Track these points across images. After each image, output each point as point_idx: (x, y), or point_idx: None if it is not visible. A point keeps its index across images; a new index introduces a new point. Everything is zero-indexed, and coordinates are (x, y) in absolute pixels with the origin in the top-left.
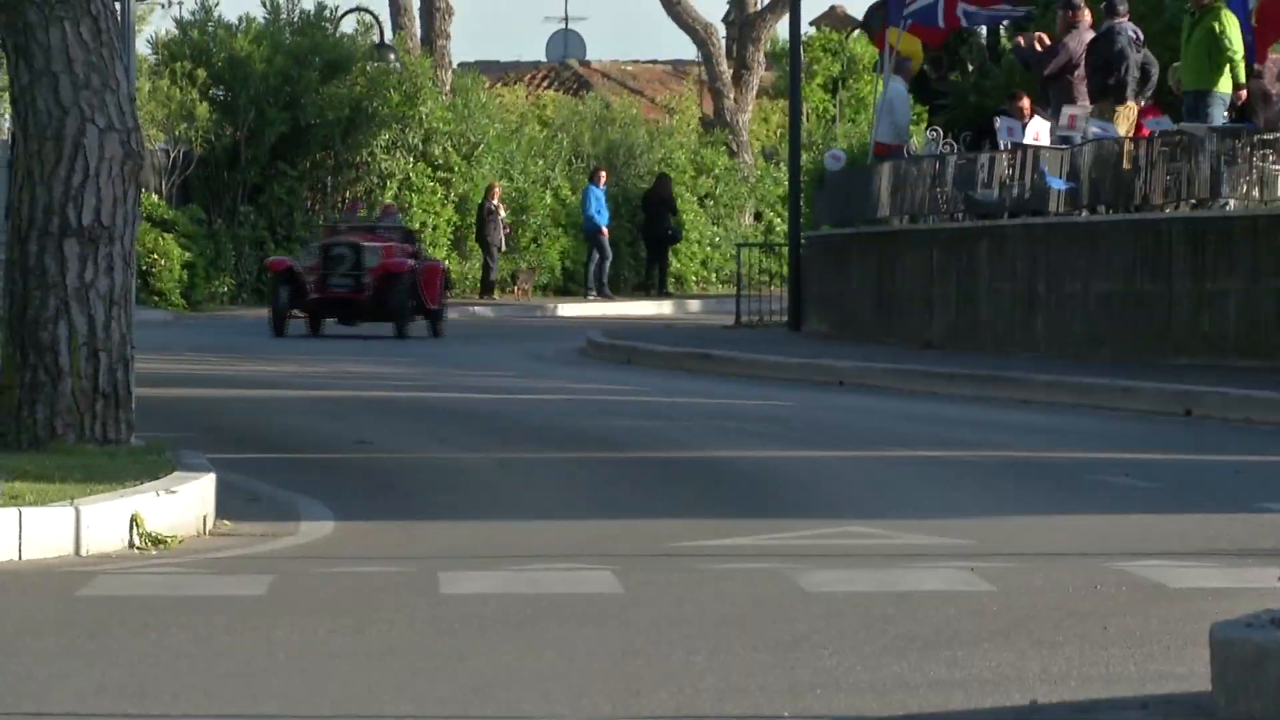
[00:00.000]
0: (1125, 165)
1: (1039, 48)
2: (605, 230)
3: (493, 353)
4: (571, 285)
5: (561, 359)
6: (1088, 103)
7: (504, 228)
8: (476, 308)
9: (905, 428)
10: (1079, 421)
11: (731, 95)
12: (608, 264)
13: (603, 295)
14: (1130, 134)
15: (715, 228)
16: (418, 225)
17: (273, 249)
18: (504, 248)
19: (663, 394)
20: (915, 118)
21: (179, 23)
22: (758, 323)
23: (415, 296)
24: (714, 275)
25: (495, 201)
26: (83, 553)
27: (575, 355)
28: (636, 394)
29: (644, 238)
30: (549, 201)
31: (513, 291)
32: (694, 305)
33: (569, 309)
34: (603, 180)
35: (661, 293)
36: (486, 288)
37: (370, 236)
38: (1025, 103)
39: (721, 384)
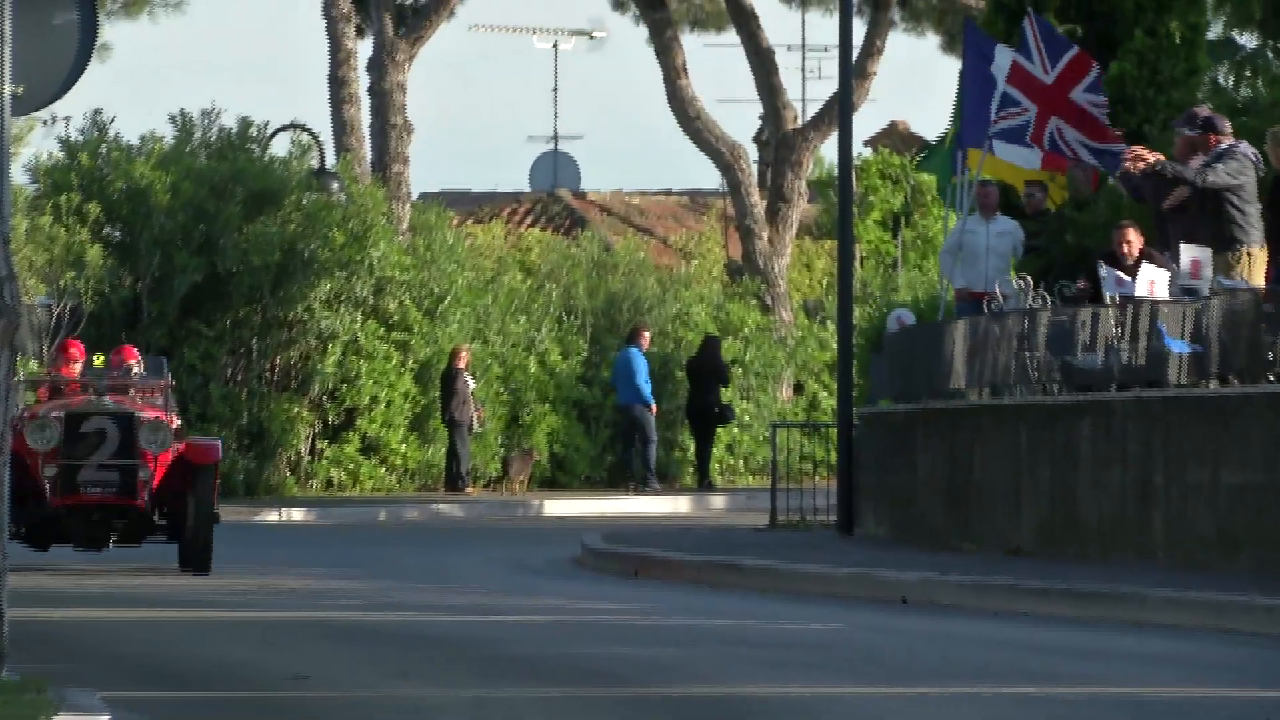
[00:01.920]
0: (1265, 324)
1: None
2: (654, 406)
3: (464, 562)
4: (560, 476)
5: (551, 570)
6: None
7: (476, 404)
8: (441, 505)
9: (986, 657)
10: (1207, 649)
11: (765, 235)
12: (654, 448)
13: (649, 489)
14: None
15: (745, 403)
16: (367, 400)
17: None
18: (475, 428)
19: (680, 614)
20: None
21: (65, 144)
22: (799, 523)
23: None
24: (743, 463)
25: (463, 369)
26: None
27: (569, 566)
28: (647, 614)
29: (688, 416)
30: (533, 370)
31: (497, 486)
32: (718, 501)
33: (558, 506)
34: (646, 342)
35: (704, 485)
36: (452, 481)
37: (129, 400)
38: (1130, 234)
39: (754, 602)
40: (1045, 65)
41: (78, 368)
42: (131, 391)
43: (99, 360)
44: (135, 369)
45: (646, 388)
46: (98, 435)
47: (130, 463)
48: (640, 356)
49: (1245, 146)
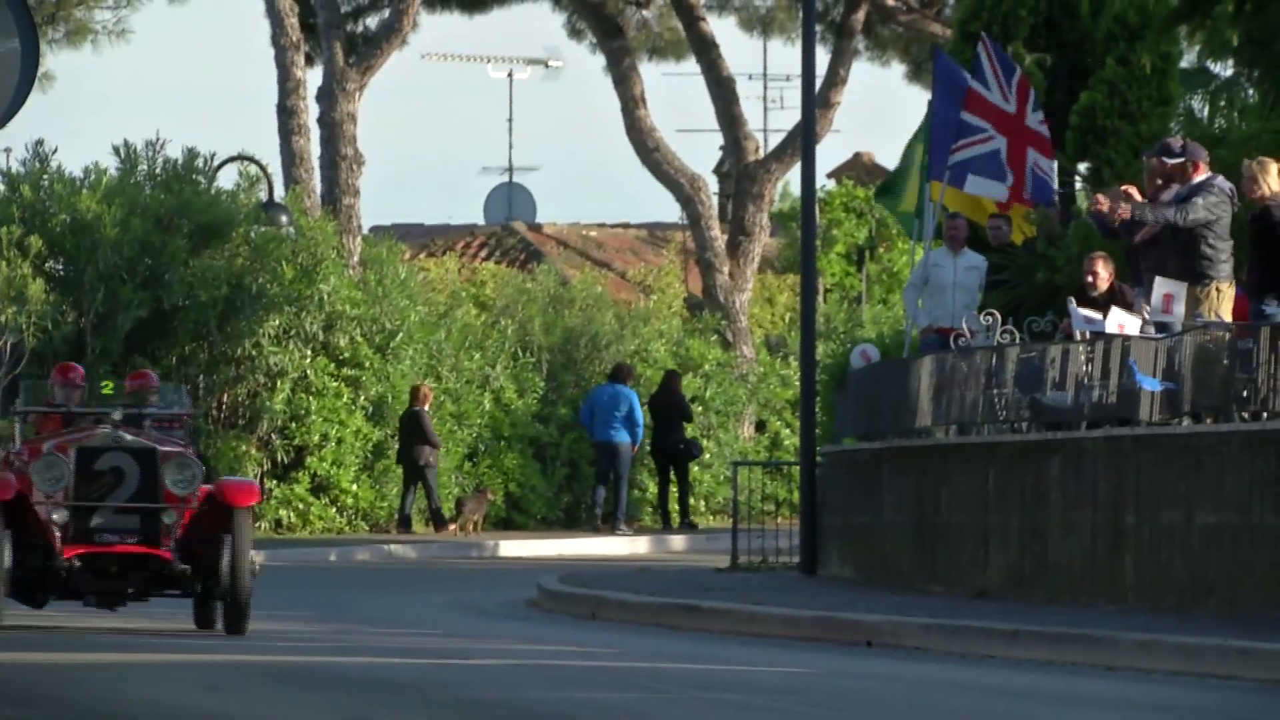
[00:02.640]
0: (1238, 360)
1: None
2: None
3: (416, 605)
4: (516, 516)
5: (507, 612)
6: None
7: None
8: (393, 546)
9: (954, 701)
10: (1180, 693)
11: (726, 268)
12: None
13: (623, 530)
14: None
15: (705, 441)
16: (317, 438)
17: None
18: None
19: (639, 658)
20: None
21: (7, 176)
22: (760, 564)
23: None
24: (703, 503)
25: (426, 409)
26: None
27: (524, 608)
28: (605, 658)
29: (654, 454)
30: (488, 407)
31: (451, 528)
32: (676, 542)
33: (514, 547)
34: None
35: (684, 524)
36: (407, 521)
37: (146, 434)
38: (1099, 265)
39: (715, 645)
40: (1004, 91)
41: (77, 395)
42: (147, 423)
43: (108, 387)
44: (154, 398)
45: (641, 429)
46: (114, 474)
47: (153, 506)
48: (633, 395)
49: (1222, 180)
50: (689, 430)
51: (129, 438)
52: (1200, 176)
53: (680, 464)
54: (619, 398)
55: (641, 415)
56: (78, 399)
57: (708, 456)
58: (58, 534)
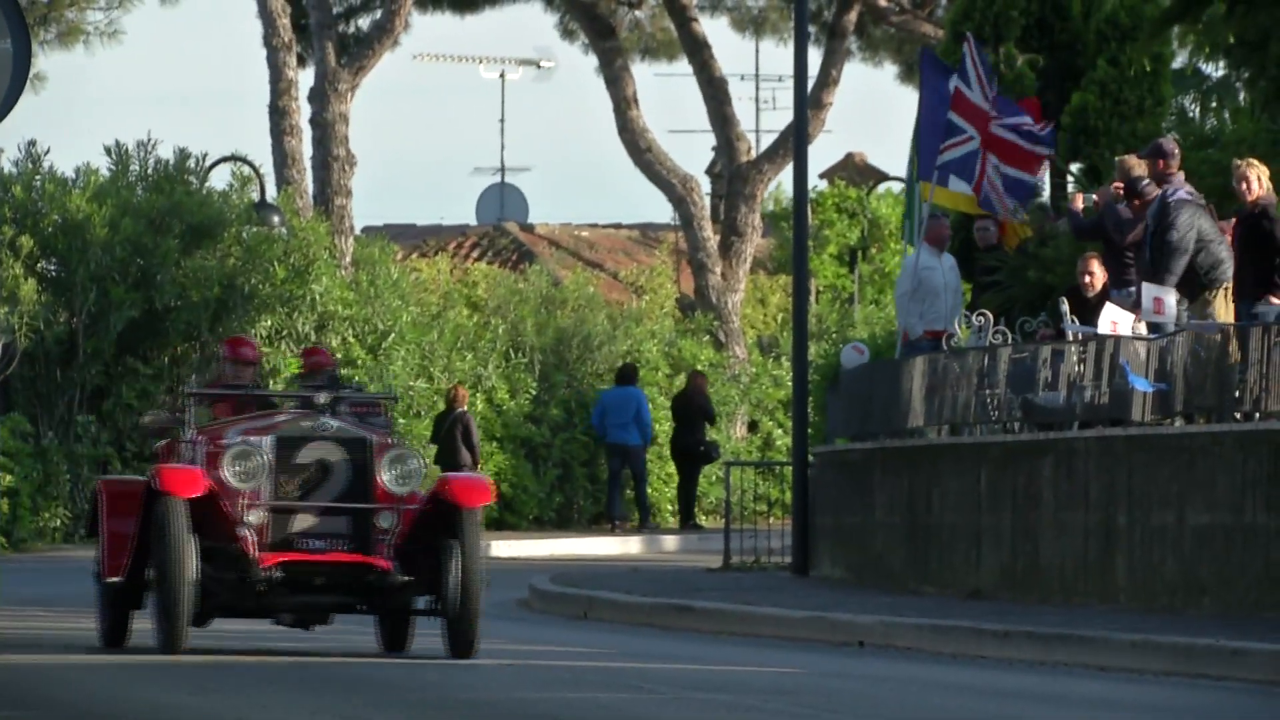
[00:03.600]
0: (1232, 360)
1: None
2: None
3: None
4: (509, 516)
5: (498, 613)
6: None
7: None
8: None
9: (946, 702)
10: (1172, 693)
11: (718, 269)
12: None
13: (649, 526)
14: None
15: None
16: None
17: (118, 470)
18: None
19: (630, 658)
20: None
21: None
22: (753, 565)
23: None
24: (695, 504)
25: (464, 410)
26: None
27: (516, 608)
28: (596, 658)
29: (673, 455)
30: (481, 408)
31: None
32: (669, 542)
33: (506, 547)
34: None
35: (688, 525)
36: None
37: (345, 419)
38: (1093, 265)
39: (707, 645)
40: (985, 89)
41: (249, 373)
42: (343, 407)
43: (293, 365)
44: (325, 375)
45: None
46: (319, 468)
47: (366, 506)
48: (642, 395)
49: (1182, 193)
50: (710, 432)
51: (335, 424)
52: (1154, 196)
53: (696, 465)
54: (628, 399)
55: (650, 415)
56: (250, 378)
57: None
58: (253, 539)
